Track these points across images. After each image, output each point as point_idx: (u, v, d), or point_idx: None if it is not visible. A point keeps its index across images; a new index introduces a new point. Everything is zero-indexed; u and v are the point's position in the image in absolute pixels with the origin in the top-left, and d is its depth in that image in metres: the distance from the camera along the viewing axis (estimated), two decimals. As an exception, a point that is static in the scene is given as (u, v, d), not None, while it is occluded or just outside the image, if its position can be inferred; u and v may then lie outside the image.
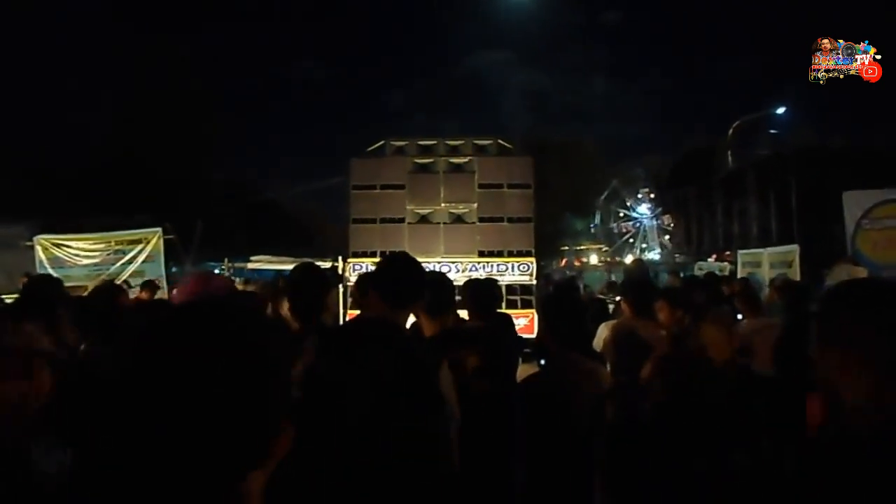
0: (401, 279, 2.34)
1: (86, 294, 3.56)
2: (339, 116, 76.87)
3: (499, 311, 5.48)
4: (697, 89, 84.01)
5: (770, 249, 12.59)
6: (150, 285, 9.24)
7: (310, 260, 9.29)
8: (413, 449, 2.07)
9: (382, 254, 8.86)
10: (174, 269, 14.85)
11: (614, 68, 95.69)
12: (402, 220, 10.23)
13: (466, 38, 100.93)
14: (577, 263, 38.88)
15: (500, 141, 11.11)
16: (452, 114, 75.68)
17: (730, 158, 29.41)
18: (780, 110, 28.68)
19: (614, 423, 2.89)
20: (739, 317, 4.99)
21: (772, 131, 29.03)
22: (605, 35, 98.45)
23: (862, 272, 8.23)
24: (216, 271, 15.64)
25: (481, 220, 10.20)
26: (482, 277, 4.78)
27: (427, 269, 2.58)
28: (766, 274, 11.04)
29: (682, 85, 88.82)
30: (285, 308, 2.86)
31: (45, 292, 2.65)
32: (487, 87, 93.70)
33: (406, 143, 10.91)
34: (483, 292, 4.16)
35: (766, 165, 21.67)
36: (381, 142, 10.95)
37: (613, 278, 15.77)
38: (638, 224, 43.58)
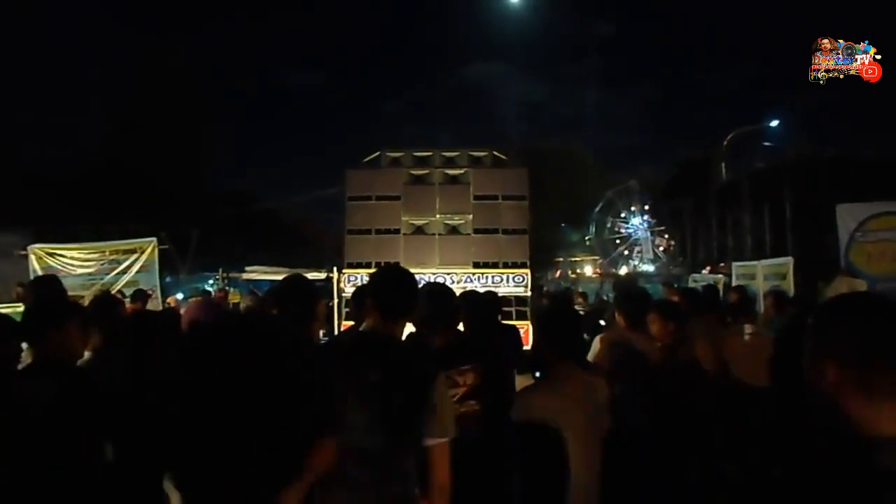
0: (398, 291, 2.35)
1: (84, 305, 3.56)
2: (336, 126, 76.97)
3: (505, 322, 5.48)
4: (693, 100, 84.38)
5: (764, 262, 12.63)
6: (140, 295, 9.08)
7: (304, 270, 9.30)
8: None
9: (377, 265, 8.86)
10: (168, 279, 14.82)
11: (610, 79, 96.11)
12: (397, 231, 10.24)
13: (463, 49, 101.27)
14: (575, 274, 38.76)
15: (495, 152, 11.16)
16: (450, 124, 75.97)
17: (724, 170, 29.58)
18: (774, 123, 28.94)
19: (610, 435, 2.89)
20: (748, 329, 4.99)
21: (766, 143, 29.24)
22: (601, 46, 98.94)
23: (862, 285, 8.28)
24: (210, 281, 15.62)
25: (476, 231, 10.21)
26: (481, 290, 4.77)
27: (431, 282, 2.60)
28: (760, 286, 11.08)
29: (678, 96, 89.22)
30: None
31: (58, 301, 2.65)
32: (484, 97, 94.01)
33: (402, 154, 10.96)
34: (481, 305, 4.14)
35: (760, 177, 21.78)
36: (377, 153, 10.99)
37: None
38: (631, 229, 43.47)
